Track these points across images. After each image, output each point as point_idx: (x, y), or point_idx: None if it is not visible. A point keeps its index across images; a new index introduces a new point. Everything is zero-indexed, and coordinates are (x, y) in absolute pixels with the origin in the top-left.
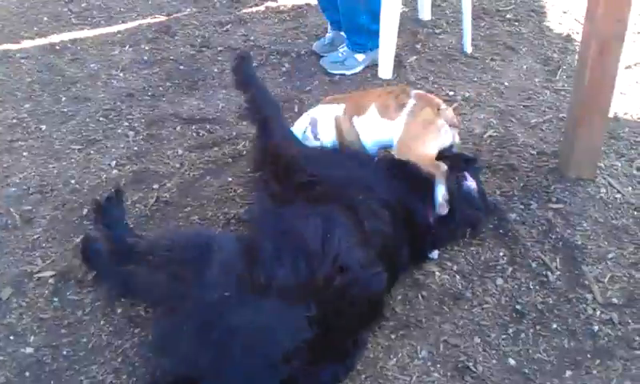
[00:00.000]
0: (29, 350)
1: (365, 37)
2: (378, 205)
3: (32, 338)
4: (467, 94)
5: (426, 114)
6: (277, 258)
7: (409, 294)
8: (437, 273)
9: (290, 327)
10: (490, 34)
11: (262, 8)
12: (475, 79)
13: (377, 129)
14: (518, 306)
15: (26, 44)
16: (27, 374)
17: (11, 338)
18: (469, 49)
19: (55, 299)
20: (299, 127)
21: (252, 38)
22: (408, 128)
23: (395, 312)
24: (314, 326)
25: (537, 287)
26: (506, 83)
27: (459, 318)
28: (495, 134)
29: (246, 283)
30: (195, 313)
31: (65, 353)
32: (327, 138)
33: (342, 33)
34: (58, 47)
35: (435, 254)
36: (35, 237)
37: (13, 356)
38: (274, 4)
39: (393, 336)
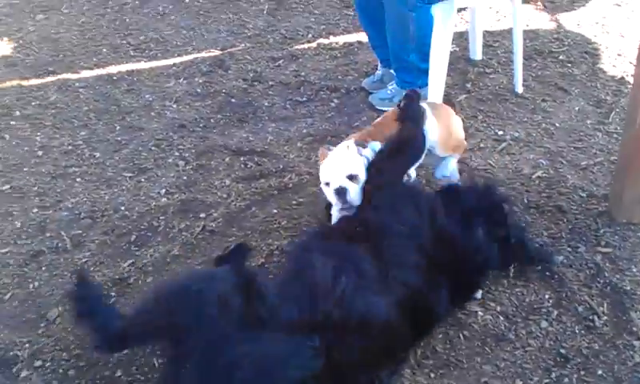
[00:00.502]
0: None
1: (414, 75)
2: (409, 249)
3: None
4: (517, 134)
5: (443, 109)
6: (278, 293)
7: (450, 333)
8: (479, 313)
9: (294, 358)
10: (541, 74)
11: (313, 45)
12: (525, 119)
13: None
14: (562, 350)
15: (85, 74)
16: None
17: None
18: (520, 89)
19: None
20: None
21: (303, 73)
22: (441, 123)
23: (435, 351)
24: (319, 358)
25: (582, 332)
26: (557, 124)
27: (501, 359)
28: (544, 175)
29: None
30: (196, 350)
31: None
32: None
33: (392, 71)
34: (115, 78)
35: (479, 293)
36: (84, 260)
37: None
38: (325, 41)
39: (432, 375)
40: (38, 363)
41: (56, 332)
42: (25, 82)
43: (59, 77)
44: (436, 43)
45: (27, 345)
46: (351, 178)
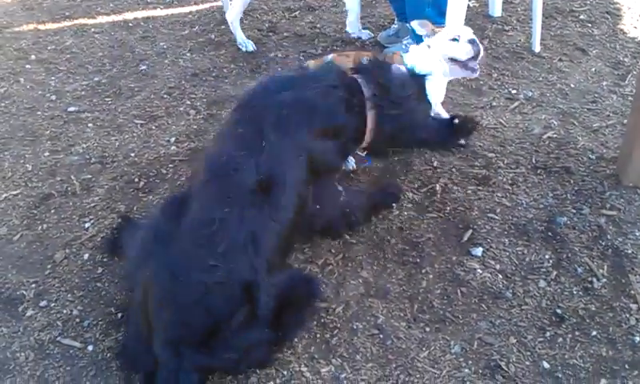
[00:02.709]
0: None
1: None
2: None
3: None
4: (530, 94)
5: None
6: None
7: (448, 288)
8: (478, 270)
9: None
10: (560, 33)
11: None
12: (540, 79)
13: None
14: (558, 310)
15: (101, 19)
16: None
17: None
18: (537, 48)
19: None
20: None
21: (318, 25)
22: None
23: (432, 305)
24: None
25: (580, 293)
26: (572, 85)
27: (496, 316)
28: (555, 135)
29: None
30: None
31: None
32: None
33: (408, 25)
34: (130, 24)
35: (479, 250)
36: (92, 205)
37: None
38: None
39: (427, 329)
40: (44, 303)
41: (62, 274)
42: (41, 26)
43: (75, 22)
44: None
45: (33, 285)
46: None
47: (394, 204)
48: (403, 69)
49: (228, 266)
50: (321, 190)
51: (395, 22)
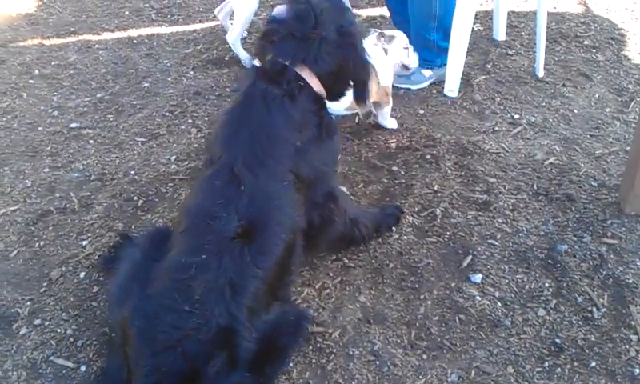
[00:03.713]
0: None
1: (434, 53)
2: None
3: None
4: (533, 119)
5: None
6: None
7: (446, 315)
8: (477, 297)
9: None
10: (564, 59)
11: None
12: (543, 104)
13: None
14: (557, 340)
15: (106, 36)
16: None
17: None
18: (541, 72)
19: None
20: None
21: None
22: None
23: (430, 332)
24: None
25: (580, 322)
26: (575, 111)
27: (495, 345)
28: (557, 161)
29: None
30: None
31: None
32: None
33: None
34: (135, 41)
35: (478, 277)
36: (90, 222)
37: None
38: None
39: (424, 356)
40: (38, 321)
41: (57, 292)
42: (46, 42)
43: (80, 37)
44: (458, 22)
45: (29, 303)
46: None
47: (394, 227)
48: None
49: (204, 312)
50: (333, 193)
51: None
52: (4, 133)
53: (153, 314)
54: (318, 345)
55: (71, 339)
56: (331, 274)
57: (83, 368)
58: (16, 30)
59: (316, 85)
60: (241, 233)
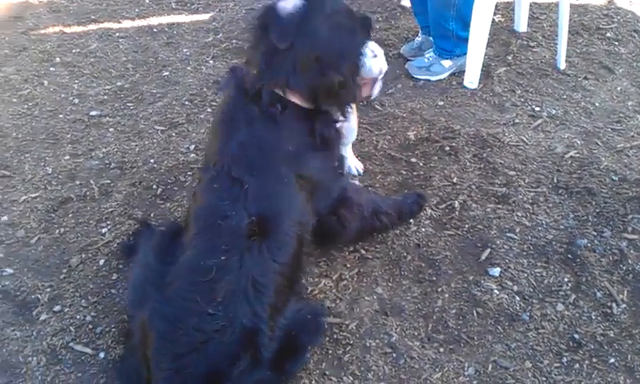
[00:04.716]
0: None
1: (453, 43)
2: None
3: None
4: (554, 112)
5: None
6: None
7: (464, 309)
8: (496, 291)
9: None
10: (586, 51)
11: (354, 7)
12: (565, 96)
13: None
14: (576, 335)
15: (126, 24)
16: None
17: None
18: (562, 65)
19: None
20: None
21: None
22: None
23: (447, 325)
24: None
25: (599, 318)
26: (597, 104)
27: (512, 339)
28: (577, 155)
29: None
30: None
31: None
32: None
33: (431, 38)
34: (155, 30)
35: (497, 271)
36: (110, 210)
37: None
38: (367, 2)
39: (441, 349)
40: (57, 308)
41: (77, 279)
42: (67, 29)
43: (101, 26)
44: (477, 12)
45: (48, 289)
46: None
47: (417, 213)
48: None
49: (227, 314)
50: (344, 191)
51: (419, 34)
52: (25, 120)
53: (174, 317)
54: (335, 336)
55: (90, 326)
56: (348, 266)
57: (102, 355)
58: (37, 17)
59: (299, 100)
60: (255, 230)
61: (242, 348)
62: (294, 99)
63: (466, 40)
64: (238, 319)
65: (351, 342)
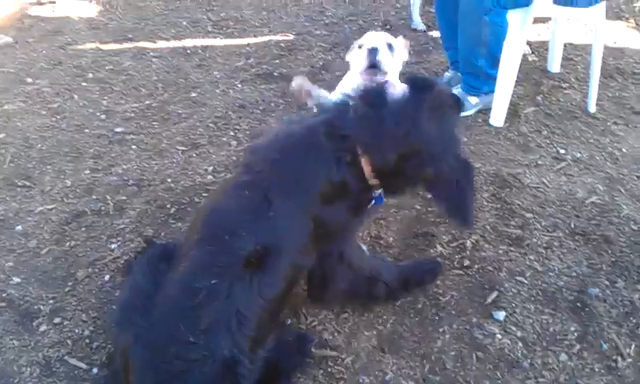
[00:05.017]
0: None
1: (481, 80)
2: None
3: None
4: (579, 155)
5: None
6: None
7: (463, 351)
8: (498, 336)
9: None
10: (619, 95)
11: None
12: (592, 141)
13: None
14: None
15: (161, 44)
16: None
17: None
18: (592, 108)
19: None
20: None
21: None
22: None
23: (445, 367)
24: None
25: (602, 371)
26: (624, 149)
27: None
28: (598, 201)
29: None
30: None
31: None
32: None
33: (460, 74)
34: (189, 51)
35: (502, 315)
36: (122, 226)
37: None
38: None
39: None
40: (58, 320)
41: (81, 292)
42: (103, 46)
43: (136, 44)
44: (508, 50)
45: (51, 301)
46: (389, 46)
47: (429, 283)
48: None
49: (208, 344)
50: (343, 250)
51: (449, 70)
52: (52, 132)
53: (156, 344)
54: (329, 369)
55: (87, 340)
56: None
57: (95, 370)
58: (76, 33)
59: (367, 172)
60: (253, 260)
61: (222, 379)
62: (364, 164)
63: (494, 78)
64: (219, 350)
65: (345, 376)
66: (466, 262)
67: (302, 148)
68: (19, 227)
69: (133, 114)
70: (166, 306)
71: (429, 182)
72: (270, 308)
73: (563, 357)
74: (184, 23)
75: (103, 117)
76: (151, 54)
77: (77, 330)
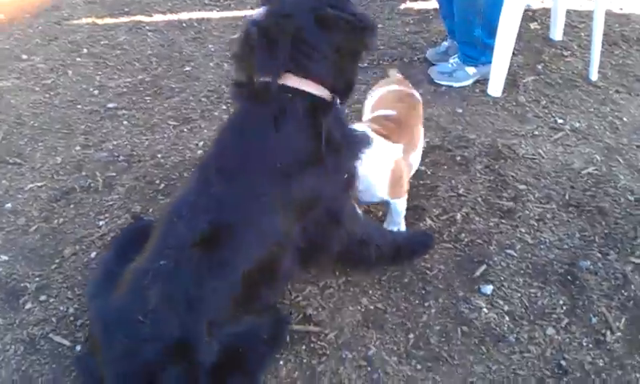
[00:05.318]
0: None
1: (478, 50)
2: None
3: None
4: (577, 125)
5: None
6: None
7: (448, 325)
8: (484, 309)
9: None
10: (622, 63)
11: (387, 9)
12: (592, 110)
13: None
14: (562, 362)
15: (157, 18)
16: None
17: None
18: (594, 76)
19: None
20: None
21: None
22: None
23: (429, 342)
24: None
25: (590, 345)
26: (625, 119)
27: (495, 361)
28: (595, 171)
29: None
30: None
31: None
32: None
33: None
34: (184, 24)
35: (489, 288)
36: (110, 203)
37: None
38: (401, 6)
39: (419, 367)
40: (43, 298)
41: (67, 270)
42: (99, 21)
43: (132, 18)
44: (505, 19)
45: (37, 278)
46: None
47: (420, 255)
48: None
49: (156, 324)
50: (337, 211)
51: (447, 39)
52: (45, 109)
53: (111, 322)
54: (312, 345)
55: (72, 318)
56: (337, 273)
57: (78, 347)
58: (73, 8)
59: (312, 87)
60: (202, 241)
61: (173, 359)
62: (306, 88)
63: (491, 48)
64: (168, 330)
65: (327, 352)
66: (456, 236)
67: (239, 133)
68: (9, 205)
69: (125, 89)
70: (123, 287)
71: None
72: (233, 290)
73: (550, 331)
74: None
75: (96, 92)
76: (147, 27)
77: (61, 308)
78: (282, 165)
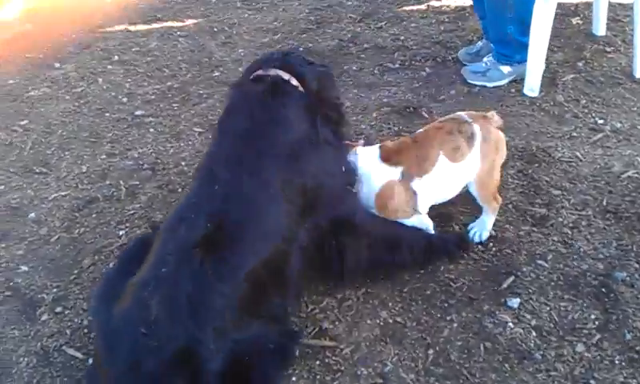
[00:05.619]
0: None
1: (512, 48)
2: None
3: None
4: (618, 125)
5: (494, 134)
6: None
7: (470, 341)
8: (510, 324)
9: None
10: None
11: (423, 7)
12: (634, 109)
13: (448, 181)
14: (592, 381)
15: (189, 23)
16: None
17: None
18: (638, 73)
19: None
20: None
21: (402, 37)
22: (485, 158)
23: (449, 359)
24: None
25: (623, 364)
26: None
27: (519, 380)
28: (636, 175)
29: None
30: None
31: None
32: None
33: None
34: (215, 29)
35: (516, 302)
36: (132, 212)
37: None
38: (436, 3)
39: None
40: (59, 309)
41: (85, 281)
42: (131, 27)
43: (164, 24)
44: (537, 15)
45: (55, 289)
46: None
47: (452, 257)
48: None
49: (159, 334)
50: (349, 212)
51: (482, 38)
52: (73, 117)
53: (114, 336)
54: (327, 360)
55: (85, 330)
56: (356, 284)
57: (91, 360)
58: (106, 15)
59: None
60: (204, 241)
61: (179, 368)
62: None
63: (526, 46)
64: (172, 339)
65: (342, 368)
66: (483, 245)
67: (234, 113)
68: (32, 214)
69: (154, 96)
70: (126, 299)
71: None
72: (236, 291)
73: (580, 347)
74: (213, 0)
75: (124, 100)
76: (178, 33)
77: (76, 320)
78: (282, 136)
